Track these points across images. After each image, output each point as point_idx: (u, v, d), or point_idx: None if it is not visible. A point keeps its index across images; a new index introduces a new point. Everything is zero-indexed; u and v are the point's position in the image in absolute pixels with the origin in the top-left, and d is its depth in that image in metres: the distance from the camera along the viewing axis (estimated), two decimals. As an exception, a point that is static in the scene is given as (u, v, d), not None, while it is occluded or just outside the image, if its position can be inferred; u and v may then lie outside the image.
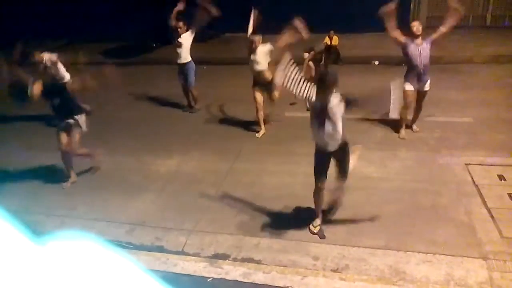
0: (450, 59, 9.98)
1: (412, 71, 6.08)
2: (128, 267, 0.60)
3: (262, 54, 6.48)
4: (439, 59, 10.02)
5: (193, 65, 7.81)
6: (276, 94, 6.63)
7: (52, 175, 5.99)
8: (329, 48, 9.68)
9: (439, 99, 7.66)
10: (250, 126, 7.29)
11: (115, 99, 8.75)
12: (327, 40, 10.18)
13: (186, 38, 7.59)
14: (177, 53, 7.70)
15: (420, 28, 5.91)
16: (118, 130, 7.49)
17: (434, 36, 5.94)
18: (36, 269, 0.55)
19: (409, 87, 6.16)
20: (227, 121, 7.60)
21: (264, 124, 6.97)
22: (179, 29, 7.52)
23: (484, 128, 6.47)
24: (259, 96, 6.74)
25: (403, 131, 6.48)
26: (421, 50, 5.92)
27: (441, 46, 10.18)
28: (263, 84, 6.63)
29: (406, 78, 6.17)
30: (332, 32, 10.18)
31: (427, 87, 6.18)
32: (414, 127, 6.60)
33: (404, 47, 6.02)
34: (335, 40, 10.20)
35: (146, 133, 7.29)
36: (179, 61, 7.74)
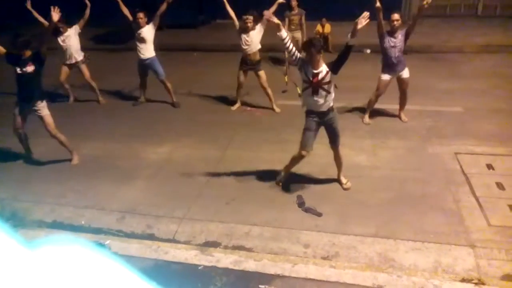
0: (441, 48, 10.02)
1: (386, 61, 6.24)
2: (118, 271, 0.60)
3: (254, 35, 6.70)
4: (429, 48, 10.08)
5: (156, 58, 7.39)
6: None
7: (40, 162, 5.92)
8: (323, 37, 9.63)
9: (429, 88, 7.71)
10: (242, 113, 7.27)
11: (105, 86, 8.63)
12: (319, 27, 10.14)
13: (149, 31, 7.17)
14: (139, 47, 7.23)
15: (399, 23, 6.03)
16: (108, 118, 7.41)
17: (407, 29, 6.10)
18: (23, 275, 0.53)
19: (384, 76, 6.31)
20: (218, 108, 7.55)
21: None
22: (139, 20, 7.07)
23: (474, 118, 6.53)
24: (242, 78, 7.09)
25: (367, 117, 6.64)
26: (396, 42, 6.09)
27: (431, 35, 10.21)
28: (251, 65, 6.93)
29: (382, 68, 6.33)
30: (324, 19, 10.13)
31: (405, 74, 6.29)
32: (403, 116, 6.63)
33: (381, 39, 6.18)
34: (327, 28, 10.15)
35: (137, 121, 7.22)
36: (142, 57, 7.28)
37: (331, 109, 4.67)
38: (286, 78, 7.78)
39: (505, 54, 9.38)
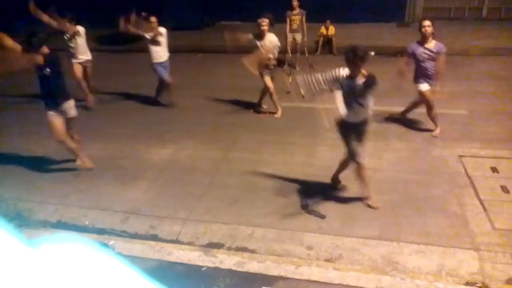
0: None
1: (424, 73, 5.94)
2: (122, 272, 0.60)
3: (268, 40, 6.70)
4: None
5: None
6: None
7: (44, 162, 5.94)
8: (327, 39, 9.64)
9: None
10: (244, 115, 7.27)
11: (107, 87, 8.67)
12: (323, 29, 10.15)
13: (164, 35, 7.25)
14: (157, 51, 7.28)
15: (430, 29, 5.70)
16: (111, 118, 7.44)
17: (440, 57, 5.82)
18: (25, 274, 0.54)
19: (424, 86, 5.99)
20: (221, 110, 7.56)
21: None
22: (152, 24, 7.11)
23: (478, 121, 6.51)
24: (269, 81, 6.93)
25: (437, 130, 6.21)
26: (431, 54, 5.80)
27: (435, 37, 10.19)
28: (273, 67, 6.94)
29: (418, 79, 6.01)
30: (328, 21, 10.14)
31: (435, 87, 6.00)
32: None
33: (413, 55, 5.89)
34: (331, 30, 10.16)
35: (140, 122, 7.24)
36: (162, 60, 7.32)
37: (366, 121, 4.50)
38: (290, 79, 7.78)
39: (510, 57, 9.36)
